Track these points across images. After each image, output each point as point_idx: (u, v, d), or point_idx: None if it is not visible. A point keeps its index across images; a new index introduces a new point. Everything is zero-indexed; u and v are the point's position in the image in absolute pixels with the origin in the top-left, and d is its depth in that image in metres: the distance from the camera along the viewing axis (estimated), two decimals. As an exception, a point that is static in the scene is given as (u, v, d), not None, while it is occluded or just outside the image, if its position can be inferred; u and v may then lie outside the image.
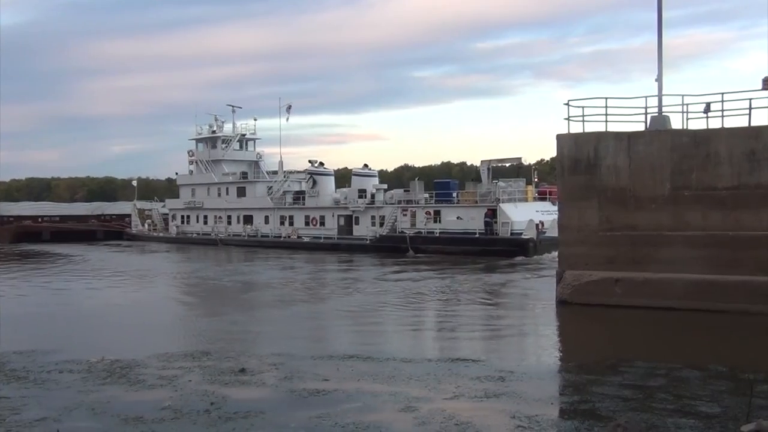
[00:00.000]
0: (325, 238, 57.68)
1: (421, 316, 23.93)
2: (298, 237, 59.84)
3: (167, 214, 77.36)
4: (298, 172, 69.16)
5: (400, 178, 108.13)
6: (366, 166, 63.08)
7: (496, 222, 47.90)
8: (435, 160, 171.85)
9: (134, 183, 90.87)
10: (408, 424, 10.90)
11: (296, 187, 66.02)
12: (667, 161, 21.98)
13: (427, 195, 54.31)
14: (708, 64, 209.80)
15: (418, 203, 53.77)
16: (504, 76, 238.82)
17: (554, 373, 14.84)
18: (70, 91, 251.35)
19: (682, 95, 23.12)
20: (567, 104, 23.89)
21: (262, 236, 63.12)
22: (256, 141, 73.65)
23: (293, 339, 19.02)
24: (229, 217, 68.41)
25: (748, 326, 19.21)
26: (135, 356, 15.85)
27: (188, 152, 75.05)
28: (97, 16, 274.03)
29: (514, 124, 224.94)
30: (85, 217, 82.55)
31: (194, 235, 70.64)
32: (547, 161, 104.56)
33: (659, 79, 23.03)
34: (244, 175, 68.77)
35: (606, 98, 23.30)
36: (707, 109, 22.53)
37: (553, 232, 44.54)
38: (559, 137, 24.03)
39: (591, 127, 23.64)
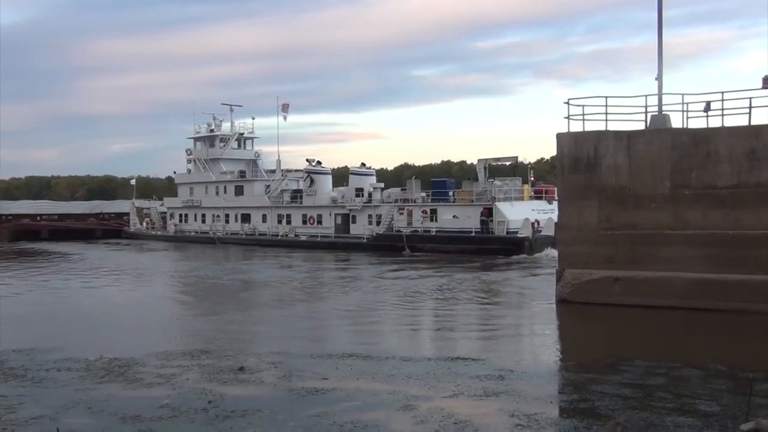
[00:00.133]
0: (322, 236, 57.72)
1: (419, 314, 23.88)
2: (296, 235, 59.89)
3: (165, 212, 77.42)
4: (296, 171, 69.20)
5: (400, 176, 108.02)
6: (363, 164, 63.13)
7: (492, 221, 47.99)
8: (435, 159, 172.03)
9: (133, 182, 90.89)
10: (407, 423, 10.85)
11: (294, 186, 66.11)
12: (667, 160, 21.94)
13: (423, 194, 54.36)
14: (708, 64, 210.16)
15: (414, 202, 53.83)
16: (504, 75, 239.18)
17: (554, 372, 14.80)
18: (70, 89, 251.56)
19: (682, 94, 23.16)
20: (567, 103, 23.88)
21: (259, 235, 63.19)
22: (254, 140, 73.75)
23: (292, 338, 18.97)
24: (227, 215, 68.45)
25: (747, 325, 19.19)
26: (133, 354, 15.82)
27: (186, 151, 75.13)
28: (97, 14, 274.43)
29: (514, 123, 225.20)
30: (83, 215, 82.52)
31: (192, 233, 70.71)
32: (547, 160, 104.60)
33: (659, 78, 22.98)
34: (242, 173, 68.84)
35: (606, 97, 23.29)
36: (707, 108, 22.50)
37: (548, 231, 44.89)
38: (559, 136, 24.00)
39: (591, 126, 23.64)
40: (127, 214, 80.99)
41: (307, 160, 65.19)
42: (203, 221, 71.06)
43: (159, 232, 74.80)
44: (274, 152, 70.67)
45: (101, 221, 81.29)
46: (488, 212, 48.37)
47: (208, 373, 14.17)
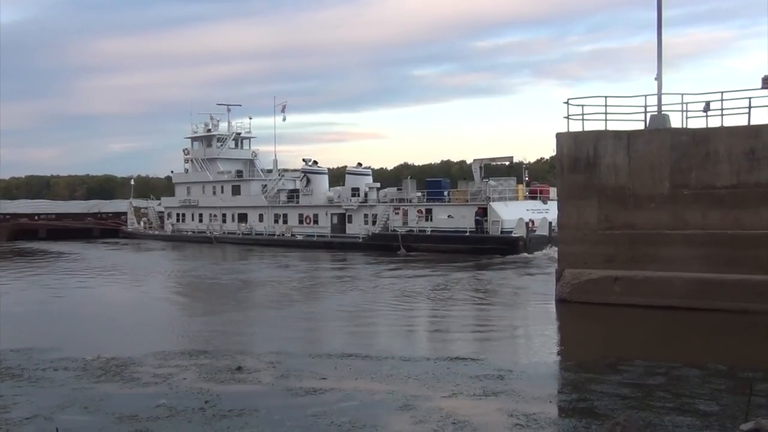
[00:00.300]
0: (318, 236, 57.84)
1: (418, 314, 23.81)
2: (292, 235, 59.99)
3: (163, 212, 77.43)
4: (293, 170, 69.24)
5: (399, 176, 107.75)
6: (360, 164, 63.20)
7: (486, 220, 48.08)
8: (434, 158, 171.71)
9: (132, 182, 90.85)
10: (405, 422, 10.79)
11: (291, 186, 66.21)
12: (667, 160, 21.90)
13: (419, 194, 54.42)
14: (707, 63, 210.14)
15: (410, 202, 53.90)
16: (503, 74, 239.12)
17: (553, 372, 14.76)
18: (69, 89, 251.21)
19: (682, 94, 23.13)
20: (566, 103, 23.84)
21: (256, 234, 63.27)
22: (252, 140, 73.75)
23: (290, 337, 18.92)
24: (224, 215, 68.52)
25: (747, 325, 19.14)
26: (131, 354, 15.74)
27: (184, 151, 75.13)
28: (97, 13, 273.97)
29: (514, 122, 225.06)
30: (81, 215, 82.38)
31: (189, 233, 70.79)
32: (547, 160, 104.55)
33: (659, 78, 22.95)
34: (239, 173, 68.90)
35: (605, 97, 23.26)
36: (707, 108, 22.46)
37: (543, 231, 44.99)
38: (559, 136, 23.95)
39: (590, 126, 23.59)
40: (125, 213, 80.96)
41: (304, 160, 65.41)
42: (200, 221, 71.13)
43: (156, 232, 74.81)
44: (272, 152, 70.39)
45: (99, 221, 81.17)
46: (483, 212, 48.49)
47: (205, 372, 14.10)
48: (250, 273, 38.68)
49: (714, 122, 22.35)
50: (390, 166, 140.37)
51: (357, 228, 56.00)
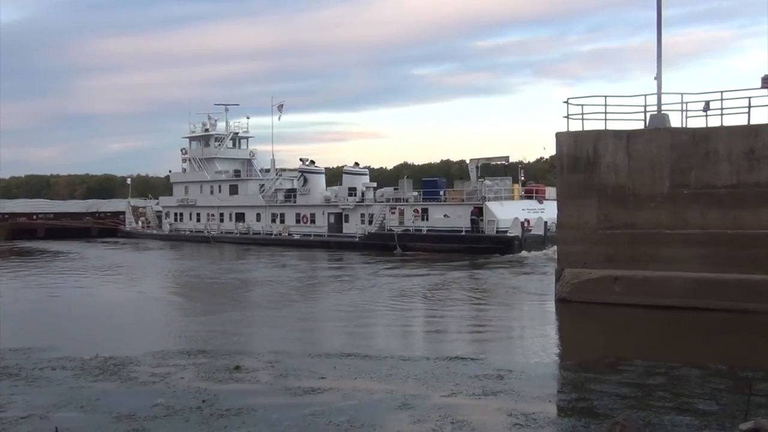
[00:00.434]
0: (315, 235, 57.83)
1: (416, 314, 23.77)
2: (289, 234, 59.99)
3: (161, 211, 77.40)
4: (291, 170, 69.23)
5: (399, 176, 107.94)
6: (357, 164, 63.22)
7: (482, 220, 48.12)
8: (434, 158, 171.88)
9: (128, 181, 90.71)
10: (404, 422, 10.73)
11: (288, 186, 66.17)
12: (666, 159, 21.86)
13: (415, 193, 54.45)
14: (707, 63, 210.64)
15: (406, 201, 53.91)
16: (503, 74, 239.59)
17: (552, 371, 14.71)
18: (69, 88, 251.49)
19: (682, 93, 23.08)
20: (566, 102, 23.81)
21: (253, 234, 63.23)
22: (250, 139, 73.73)
23: (289, 337, 18.87)
24: (222, 214, 68.51)
25: (747, 324, 19.12)
26: (128, 353, 15.69)
27: (181, 150, 75.06)
28: (97, 13, 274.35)
29: (514, 122, 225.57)
30: (79, 214, 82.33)
31: (187, 232, 70.75)
32: (546, 159, 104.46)
33: (658, 78, 22.91)
34: (237, 173, 68.90)
35: (605, 96, 23.24)
36: (706, 108, 22.43)
37: (538, 231, 44.98)
38: (559, 135, 23.91)
39: (590, 126, 23.56)
40: (123, 213, 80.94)
41: (301, 160, 65.37)
42: (198, 220, 71.11)
43: (154, 231, 74.78)
44: (274, 151, 70.58)
45: (97, 220, 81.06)
46: (478, 212, 48.52)
47: (203, 372, 14.04)
48: (248, 272, 38.61)
49: (714, 122, 22.36)
50: (390, 166, 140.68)
51: (354, 227, 56.02)
